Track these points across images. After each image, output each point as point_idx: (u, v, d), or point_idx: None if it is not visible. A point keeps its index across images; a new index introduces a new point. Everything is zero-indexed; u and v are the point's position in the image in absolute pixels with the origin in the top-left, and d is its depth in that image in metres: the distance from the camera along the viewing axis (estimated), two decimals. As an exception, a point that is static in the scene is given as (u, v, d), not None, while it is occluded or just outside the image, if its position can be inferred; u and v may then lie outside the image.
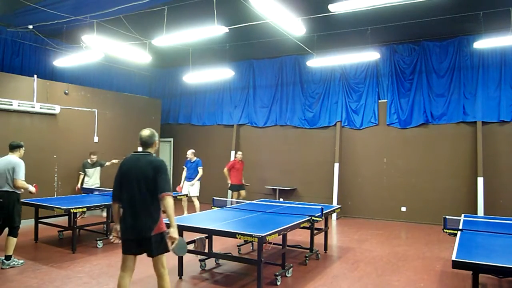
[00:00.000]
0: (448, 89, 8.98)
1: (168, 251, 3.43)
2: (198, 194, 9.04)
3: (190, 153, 9.13)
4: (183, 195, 8.36)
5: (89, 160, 8.90)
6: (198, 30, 6.27)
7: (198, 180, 9.03)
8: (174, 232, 3.33)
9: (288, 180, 10.77)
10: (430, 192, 9.10)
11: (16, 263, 5.22)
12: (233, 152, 11.52)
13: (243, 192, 9.52)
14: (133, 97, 11.20)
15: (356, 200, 9.96)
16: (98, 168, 9.04)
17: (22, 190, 5.34)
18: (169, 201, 3.34)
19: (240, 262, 5.31)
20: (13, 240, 5.21)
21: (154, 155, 3.57)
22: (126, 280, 3.41)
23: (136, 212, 3.35)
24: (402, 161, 9.48)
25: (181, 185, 9.15)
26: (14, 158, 5.30)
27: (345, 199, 9.96)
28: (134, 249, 3.40)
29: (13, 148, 5.41)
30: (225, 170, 9.46)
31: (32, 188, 5.42)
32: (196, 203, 8.90)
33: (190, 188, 8.96)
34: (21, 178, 5.21)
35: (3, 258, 5.19)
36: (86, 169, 8.88)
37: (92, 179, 8.93)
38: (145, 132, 3.56)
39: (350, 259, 5.96)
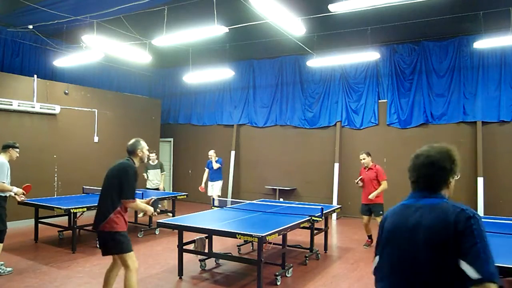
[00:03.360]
0: (448, 89, 8.98)
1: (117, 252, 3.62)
2: (219, 194, 9.17)
3: (212, 154, 9.14)
4: (184, 195, 8.29)
5: (150, 161, 8.84)
6: (198, 30, 6.26)
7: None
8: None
9: (288, 180, 10.77)
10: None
11: (2, 271, 4.93)
12: (233, 153, 11.51)
13: (377, 218, 6.43)
14: (133, 97, 11.20)
15: (356, 200, 9.89)
16: (158, 171, 9.06)
17: (3, 193, 4.91)
18: None
19: (240, 262, 5.31)
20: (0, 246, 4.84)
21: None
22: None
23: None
24: (402, 161, 9.36)
25: (202, 185, 9.18)
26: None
27: (345, 199, 9.96)
28: None
29: (2, 148, 5.02)
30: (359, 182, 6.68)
31: (16, 190, 4.97)
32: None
33: (213, 188, 9.11)
34: (1, 180, 4.77)
35: None
36: (148, 170, 8.92)
37: (154, 181, 8.90)
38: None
39: (350, 259, 5.97)
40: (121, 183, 3.57)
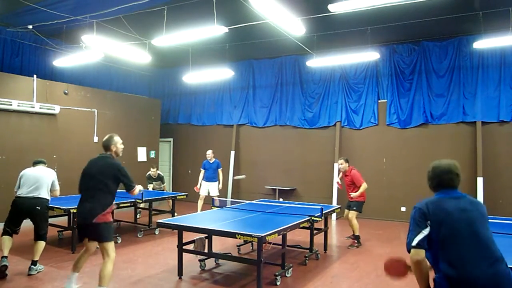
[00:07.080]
0: (448, 89, 8.99)
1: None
2: (219, 194, 9.10)
3: (210, 154, 9.14)
4: (184, 195, 8.33)
5: (151, 173, 9.25)
6: (198, 30, 6.27)
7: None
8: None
9: (288, 180, 10.77)
10: (430, 192, 9.04)
11: (41, 268, 5.09)
12: (233, 153, 11.51)
13: (351, 212, 6.93)
14: (133, 97, 11.20)
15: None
16: (159, 182, 9.47)
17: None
18: None
19: (240, 262, 5.31)
20: (43, 244, 5.08)
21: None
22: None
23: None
24: (401, 161, 9.48)
25: (198, 185, 9.17)
26: (50, 170, 5.49)
27: (345, 199, 9.93)
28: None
29: (40, 162, 5.56)
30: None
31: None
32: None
33: (211, 188, 9.04)
34: (58, 189, 5.46)
35: (30, 263, 5.01)
36: (151, 182, 9.30)
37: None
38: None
39: (350, 259, 5.97)
40: (117, 179, 3.86)
